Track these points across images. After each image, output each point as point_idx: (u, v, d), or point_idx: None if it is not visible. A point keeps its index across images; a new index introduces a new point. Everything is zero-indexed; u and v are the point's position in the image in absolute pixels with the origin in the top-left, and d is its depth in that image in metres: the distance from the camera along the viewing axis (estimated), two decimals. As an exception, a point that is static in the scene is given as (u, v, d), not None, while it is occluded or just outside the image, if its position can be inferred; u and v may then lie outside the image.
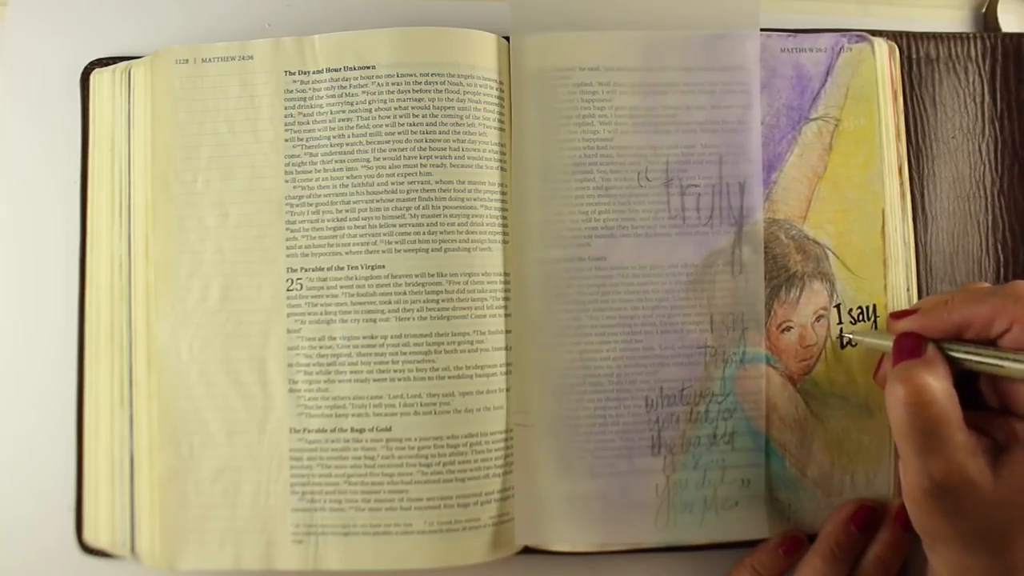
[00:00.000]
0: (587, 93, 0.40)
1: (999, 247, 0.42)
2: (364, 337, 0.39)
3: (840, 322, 0.40)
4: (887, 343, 0.36)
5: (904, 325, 0.36)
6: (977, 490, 0.31)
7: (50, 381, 0.41)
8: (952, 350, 0.34)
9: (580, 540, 0.39)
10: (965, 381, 0.34)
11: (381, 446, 0.38)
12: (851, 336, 0.40)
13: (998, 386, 0.35)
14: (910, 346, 0.34)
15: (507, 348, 0.40)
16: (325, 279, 0.39)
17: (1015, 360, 0.32)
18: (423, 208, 0.39)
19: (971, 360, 0.33)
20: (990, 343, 0.34)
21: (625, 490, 0.39)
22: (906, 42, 0.42)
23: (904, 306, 0.41)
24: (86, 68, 0.42)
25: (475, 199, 0.39)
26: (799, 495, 0.40)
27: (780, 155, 0.41)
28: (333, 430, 0.39)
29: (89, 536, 0.40)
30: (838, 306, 0.40)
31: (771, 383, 0.40)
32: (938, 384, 0.32)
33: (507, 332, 0.40)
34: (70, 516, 0.40)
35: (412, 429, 0.38)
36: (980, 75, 0.43)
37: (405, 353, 0.38)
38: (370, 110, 0.39)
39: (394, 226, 0.39)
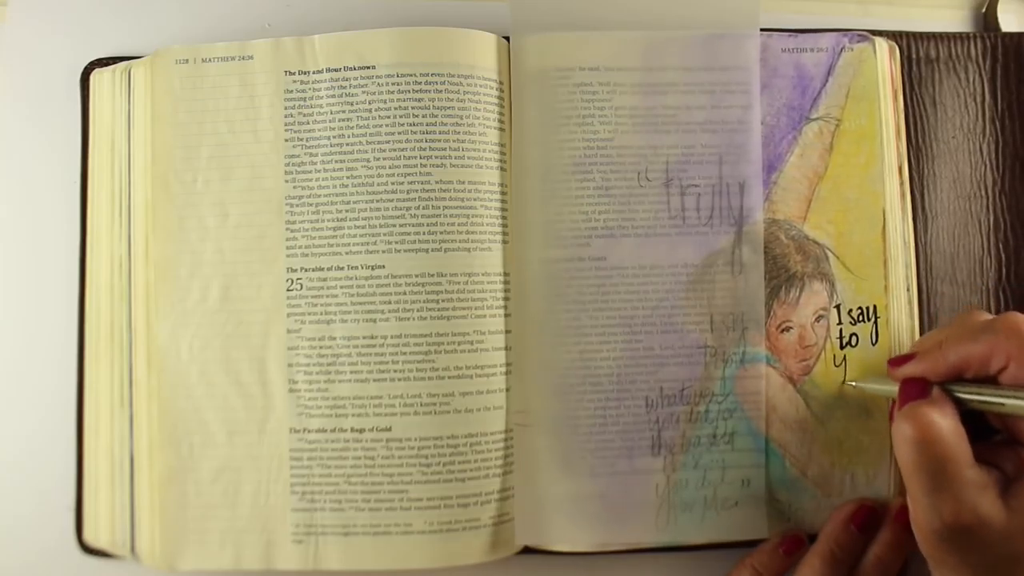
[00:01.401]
0: (587, 93, 0.40)
1: (1000, 247, 0.42)
2: (364, 337, 0.39)
3: (840, 322, 0.40)
4: (890, 388, 0.36)
5: (904, 372, 0.35)
6: (988, 525, 0.31)
7: (50, 381, 0.41)
8: (955, 391, 0.34)
9: (580, 540, 0.39)
10: (973, 413, 0.34)
11: (381, 446, 0.38)
12: (854, 383, 0.39)
13: (1005, 419, 0.34)
14: (916, 389, 0.34)
15: (507, 348, 0.40)
16: (325, 279, 0.39)
17: (1015, 397, 0.32)
18: (423, 208, 0.38)
19: (974, 400, 0.33)
20: (991, 380, 0.33)
21: (625, 490, 0.39)
22: (906, 42, 0.42)
23: (904, 307, 0.41)
24: (86, 68, 0.42)
25: (475, 199, 0.39)
26: (799, 495, 0.40)
27: (780, 155, 0.41)
28: (333, 430, 0.39)
29: (89, 536, 0.40)
30: (838, 306, 0.40)
31: (771, 383, 0.40)
32: (945, 422, 0.32)
33: (507, 332, 0.40)
34: (70, 516, 0.40)
35: (412, 429, 0.38)
36: (980, 75, 0.43)
37: (405, 353, 0.38)
38: (370, 110, 0.39)
39: (394, 226, 0.39)
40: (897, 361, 0.36)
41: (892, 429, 0.33)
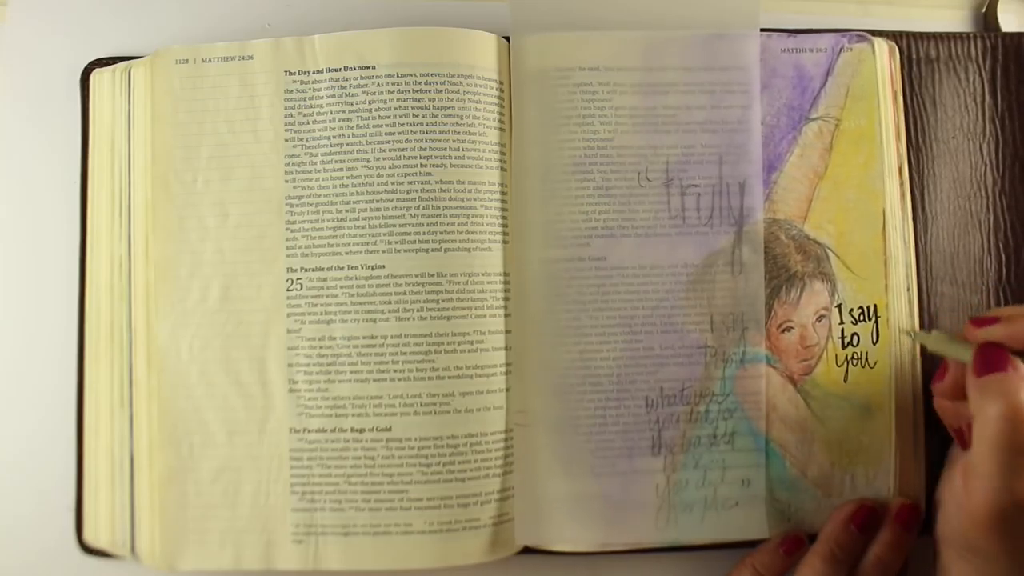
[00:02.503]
0: (587, 93, 0.40)
1: (1000, 247, 0.42)
2: (364, 337, 0.39)
3: (841, 322, 0.40)
4: (957, 350, 0.35)
5: (987, 334, 0.34)
6: None
7: (50, 381, 0.41)
8: None
9: (580, 540, 0.39)
10: None
11: (381, 446, 0.38)
12: (917, 333, 0.38)
13: None
14: (996, 359, 0.33)
15: (507, 348, 0.40)
16: (325, 279, 0.39)
17: None
18: (423, 208, 0.39)
19: None
20: None
21: (625, 490, 0.39)
22: (906, 42, 0.42)
23: (904, 307, 0.41)
24: (86, 68, 0.42)
25: (475, 199, 0.39)
26: (799, 495, 0.40)
27: (780, 155, 0.41)
28: (333, 430, 0.39)
29: (89, 536, 0.40)
30: (839, 306, 0.40)
31: (771, 383, 0.40)
32: None
33: (507, 332, 0.40)
34: (70, 516, 0.40)
35: (412, 429, 0.38)
36: (980, 75, 0.43)
37: (405, 353, 0.38)
38: (370, 110, 0.39)
39: (394, 226, 0.39)
40: (980, 321, 0.34)
41: (974, 399, 0.32)
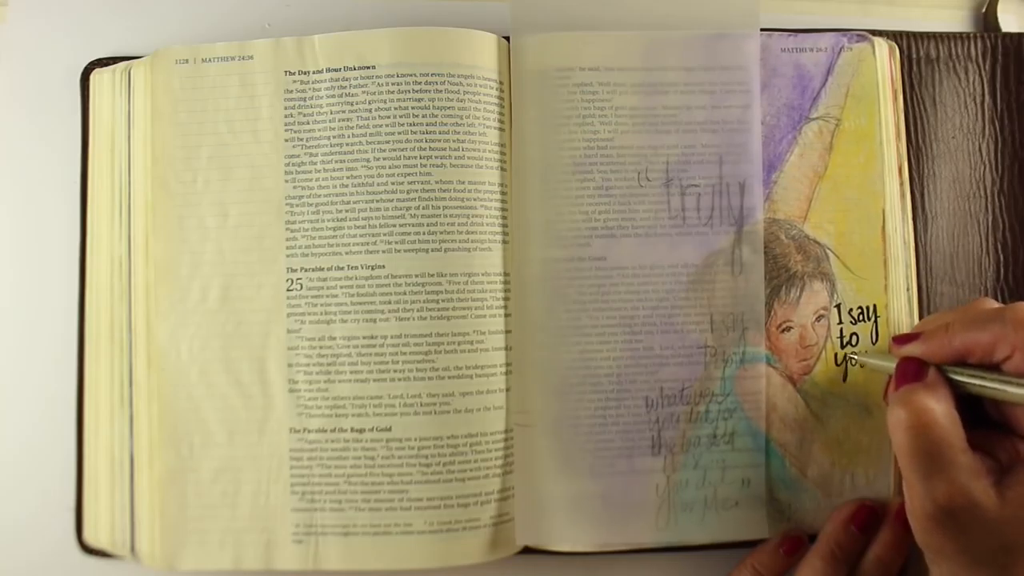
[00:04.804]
0: (587, 93, 0.40)
1: (999, 247, 0.42)
2: (364, 337, 0.39)
3: (840, 322, 0.40)
4: (892, 366, 0.36)
5: (907, 351, 0.35)
6: (981, 511, 0.31)
7: (50, 381, 0.41)
8: (955, 373, 0.34)
9: (580, 540, 0.39)
10: (970, 401, 0.34)
11: (381, 446, 0.38)
12: (856, 358, 0.40)
13: (1002, 408, 0.34)
14: (912, 371, 0.34)
15: (507, 348, 0.40)
16: (325, 279, 0.39)
17: (1018, 385, 0.32)
18: (423, 208, 0.39)
19: (974, 384, 0.33)
20: (994, 367, 0.33)
21: (625, 490, 0.39)
22: (906, 42, 0.42)
23: (904, 307, 0.41)
24: (86, 68, 0.42)
25: (475, 199, 0.39)
26: (799, 495, 0.40)
27: (780, 155, 0.41)
28: (333, 430, 0.39)
29: (89, 536, 0.40)
30: (838, 306, 0.40)
31: (771, 383, 0.40)
32: (939, 407, 0.32)
33: (507, 332, 0.40)
34: (70, 516, 0.40)
35: (412, 429, 0.38)
36: (980, 75, 0.43)
37: (405, 353, 0.38)
38: (370, 110, 0.39)
39: (394, 226, 0.39)
40: (902, 339, 0.36)
41: (887, 413, 0.34)
